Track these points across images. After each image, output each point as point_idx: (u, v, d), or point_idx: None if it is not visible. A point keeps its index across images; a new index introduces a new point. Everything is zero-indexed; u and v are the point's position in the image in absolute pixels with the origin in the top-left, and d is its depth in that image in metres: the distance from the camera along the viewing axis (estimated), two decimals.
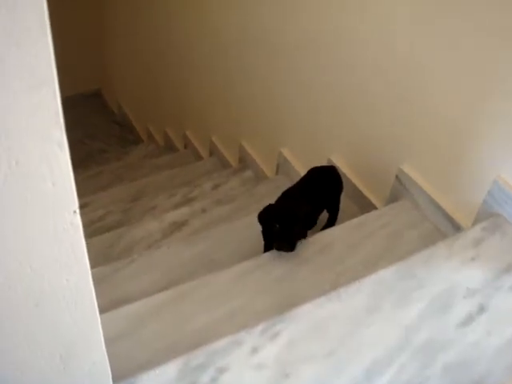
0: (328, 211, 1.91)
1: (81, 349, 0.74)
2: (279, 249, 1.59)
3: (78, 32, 4.70)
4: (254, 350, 1.21)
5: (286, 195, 1.78)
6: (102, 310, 1.47)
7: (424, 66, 1.63)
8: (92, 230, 2.46)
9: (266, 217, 1.65)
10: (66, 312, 0.68)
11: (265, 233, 1.70)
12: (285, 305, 1.36)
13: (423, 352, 1.22)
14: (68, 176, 0.55)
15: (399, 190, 1.84)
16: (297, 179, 1.90)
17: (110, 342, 1.35)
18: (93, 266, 1.79)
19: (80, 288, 0.66)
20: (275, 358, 1.20)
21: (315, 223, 1.72)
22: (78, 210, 0.57)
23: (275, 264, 1.61)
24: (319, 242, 1.66)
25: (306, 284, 1.54)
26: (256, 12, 2.39)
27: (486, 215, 1.55)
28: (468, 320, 1.29)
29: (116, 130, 4.84)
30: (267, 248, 1.72)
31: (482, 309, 1.31)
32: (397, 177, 1.84)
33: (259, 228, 1.66)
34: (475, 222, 1.59)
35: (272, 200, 1.73)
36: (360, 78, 1.89)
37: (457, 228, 1.65)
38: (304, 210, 1.63)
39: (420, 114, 1.71)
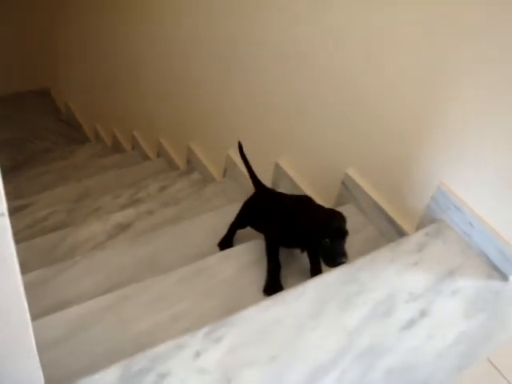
0: None
1: (12, 357, 0.71)
2: (339, 263, 1.40)
3: (28, 30, 4.65)
4: (197, 354, 1.20)
5: (293, 205, 1.64)
6: (43, 313, 1.45)
7: (367, 74, 1.64)
8: (35, 230, 2.42)
9: (319, 233, 1.43)
10: None
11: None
12: (230, 308, 1.35)
13: (366, 356, 1.23)
14: None
15: (345, 194, 1.86)
16: (244, 182, 1.89)
17: (49, 346, 1.33)
18: (36, 267, 1.75)
19: (9, 293, 0.63)
20: (218, 362, 1.19)
21: None
22: (6, 212, 0.55)
23: (221, 267, 1.60)
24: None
25: (251, 287, 1.53)
26: (206, 15, 2.38)
27: (429, 220, 1.58)
28: (410, 324, 1.30)
29: (63, 129, 4.76)
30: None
31: (423, 313, 1.32)
32: (342, 181, 1.85)
33: (205, 230, 1.65)
34: (418, 227, 1.61)
35: (220, 201, 1.72)
36: (306, 84, 1.90)
37: (400, 233, 1.67)
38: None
39: (365, 121, 1.72)
